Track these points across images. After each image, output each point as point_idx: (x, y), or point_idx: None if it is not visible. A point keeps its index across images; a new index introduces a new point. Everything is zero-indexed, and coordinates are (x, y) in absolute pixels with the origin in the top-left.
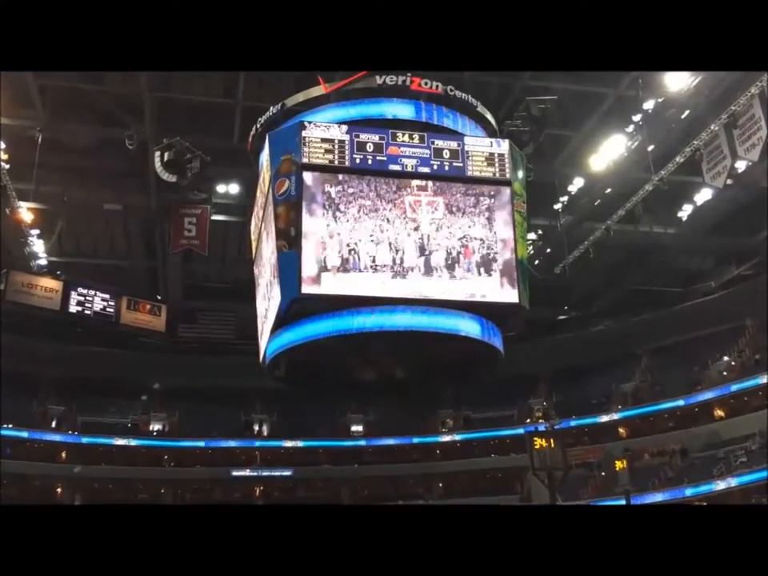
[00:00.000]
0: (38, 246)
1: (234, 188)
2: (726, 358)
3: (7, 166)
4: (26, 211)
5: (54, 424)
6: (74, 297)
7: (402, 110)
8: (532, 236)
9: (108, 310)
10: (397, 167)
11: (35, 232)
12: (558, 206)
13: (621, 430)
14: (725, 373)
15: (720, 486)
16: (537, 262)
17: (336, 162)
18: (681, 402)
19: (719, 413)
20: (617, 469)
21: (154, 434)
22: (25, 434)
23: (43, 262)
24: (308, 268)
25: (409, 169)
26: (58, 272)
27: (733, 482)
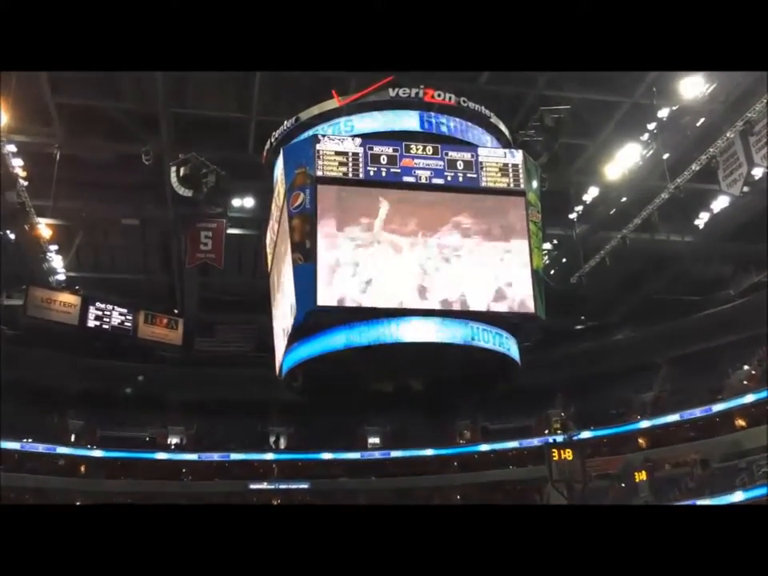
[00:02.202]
0: (56, 261)
1: (249, 201)
2: (746, 367)
3: (26, 183)
4: (44, 227)
5: (73, 438)
6: (93, 311)
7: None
8: (547, 246)
9: (125, 324)
10: (411, 179)
11: (54, 248)
12: (573, 216)
13: (641, 441)
14: (745, 382)
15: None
16: (552, 271)
17: (350, 175)
18: (701, 412)
19: (740, 422)
20: (637, 480)
21: (172, 447)
22: (44, 448)
23: (62, 277)
24: (324, 280)
25: (423, 180)
26: (77, 287)
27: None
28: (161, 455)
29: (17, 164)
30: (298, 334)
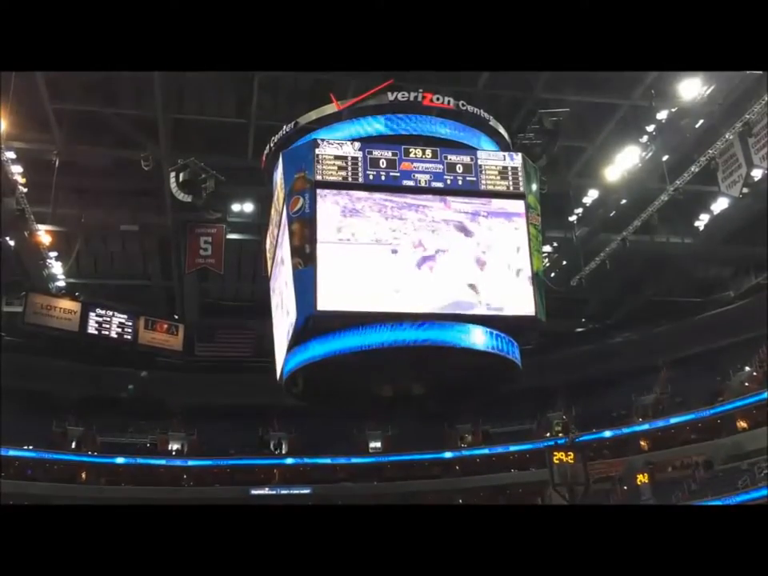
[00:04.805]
0: (56, 267)
1: (248, 206)
2: (747, 368)
3: (25, 190)
4: (44, 234)
5: (73, 444)
6: (93, 317)
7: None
8: (547, 248)
9: (126, 330)
10: (410, 182)
11: (53, 254)
12: (572, 218)
13: (642, 443)
14: (747, 383)
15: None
16: (553, 274)
17: (349, 179)
18: (703, 414)
19: (742, 424)
20: (639, 482)
21: (173, 453)
22: (45, 455)
23: (62, 283)
24: (324, 284)
25: (422, 184)
26: (77, 293)
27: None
28: (161, 461)
29: (16, 171)
30: (298, 338)
